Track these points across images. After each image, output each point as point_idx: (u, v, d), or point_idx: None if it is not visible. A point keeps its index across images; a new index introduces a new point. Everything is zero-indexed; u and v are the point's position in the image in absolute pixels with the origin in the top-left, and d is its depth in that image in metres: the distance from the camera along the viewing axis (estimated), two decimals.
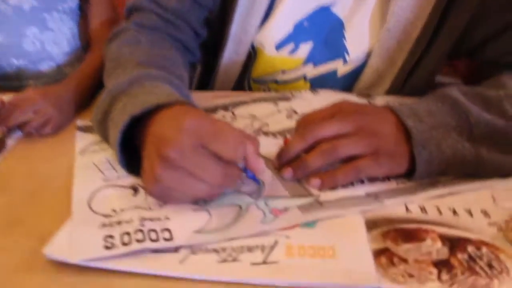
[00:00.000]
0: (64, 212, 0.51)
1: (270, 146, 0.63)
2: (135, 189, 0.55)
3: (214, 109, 0.76)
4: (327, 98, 0.79)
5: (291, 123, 0.68)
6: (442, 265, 0.45)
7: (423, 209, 0.53)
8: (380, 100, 0.79)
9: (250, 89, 0.89)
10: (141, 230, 0.47)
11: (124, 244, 0.45)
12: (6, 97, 0.72)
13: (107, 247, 0.45)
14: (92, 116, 0.62)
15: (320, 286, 0.43)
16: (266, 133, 0.68)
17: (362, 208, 0.52)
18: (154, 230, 0.47)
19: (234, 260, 0.45)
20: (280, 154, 0.58)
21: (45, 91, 0.75)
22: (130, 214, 0.50)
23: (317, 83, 0.84)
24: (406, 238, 0.48)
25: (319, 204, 0.53)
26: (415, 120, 0.57)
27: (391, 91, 0.82)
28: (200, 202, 0.52)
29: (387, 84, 0.82)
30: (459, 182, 0.57)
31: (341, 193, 0.55)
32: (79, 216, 0.50)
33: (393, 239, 0.48)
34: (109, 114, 0.58)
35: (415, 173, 0.56)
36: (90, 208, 0.52)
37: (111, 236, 0.46)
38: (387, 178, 0.58)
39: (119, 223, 0.49)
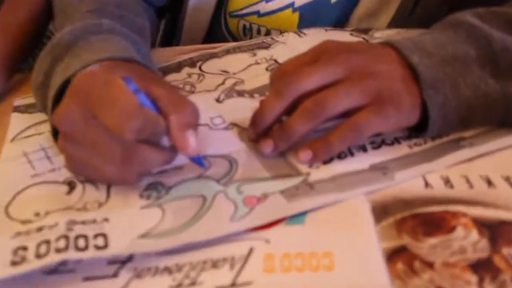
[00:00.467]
0: None
1: (245, 111, 0.49)
2: (71, 185, 0.42)
3: (178, 67, 0.62)
4: (316, 40, 0.65)
5: None
6: (482, 268, 0.32)
7: (447, 182, 0.39)
8: (381, 35, 0.65)
9: (227, 29, 0.75)
10: (65, 237, 0.35)
11: (39, 256, 0.34)
12: None
13: (14, 263, 0.33)
14: (32, 80, 0.50)
15: None
16: (240, 93, 0.54)
17: (367, 188, 0.39)
18: (84, 236, 0.35)
19: (193, 284, 0.33)
20: (255, 120, 0.45)
21: None
22: (57, 218, 0.38)
23: (307, 13, 0.70)
24: (428, 228, 0.35)
25: (309, 186, 0.40)
26: (421, 54, 0.43)
27: (396, 21, 0.68)
28: (152, 195, 0.40)
29: (392, 9, 0.67)
30: (490, 137, 0.44)
31: (337, 167, 0.42)
32: None
33: (411, 231, 0.35)
34: (50, 79, 0.47)
35: (428, 124, 0.43)
36: (7, 213, 0.40)
37: (24, 248, 0.35)
38: (396, 140, 0.45)
39: (39, 229, 0.37)
